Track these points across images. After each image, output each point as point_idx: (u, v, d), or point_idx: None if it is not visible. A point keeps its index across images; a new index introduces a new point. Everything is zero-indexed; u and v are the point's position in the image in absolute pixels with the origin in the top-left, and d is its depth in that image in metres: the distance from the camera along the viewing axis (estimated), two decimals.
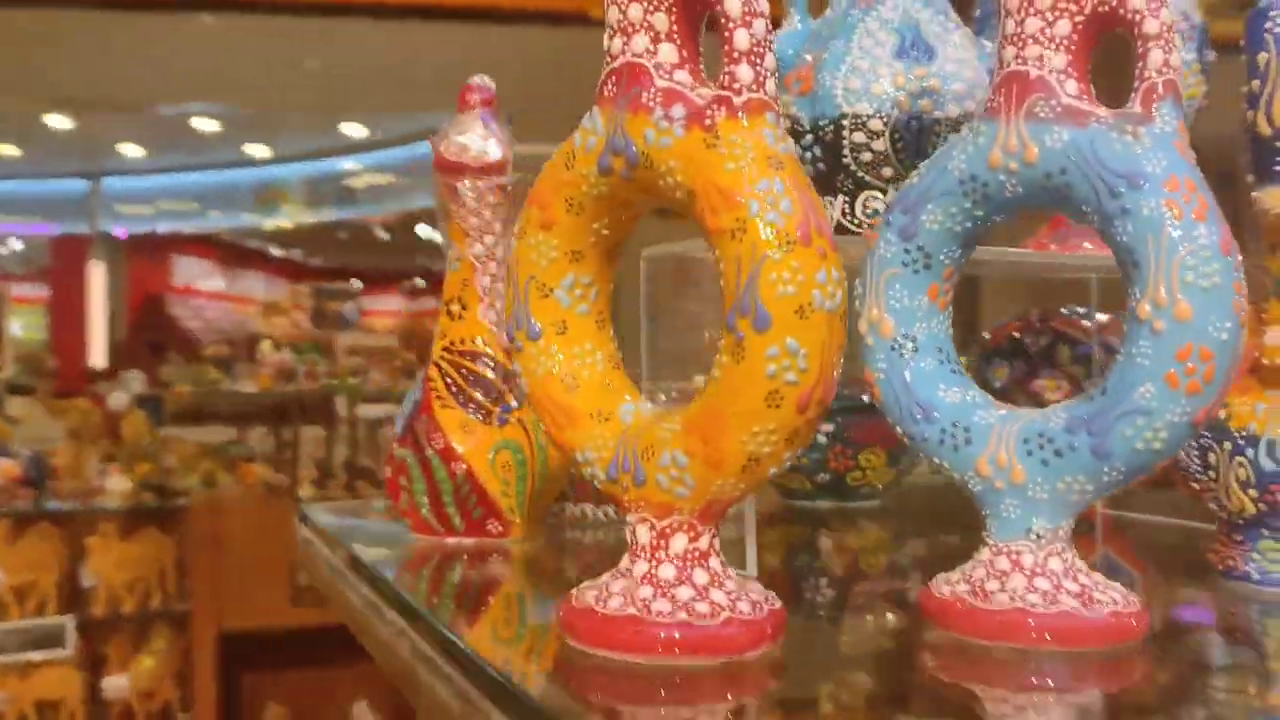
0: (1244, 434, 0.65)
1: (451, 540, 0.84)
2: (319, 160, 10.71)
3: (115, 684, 3.21)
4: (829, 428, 1.01)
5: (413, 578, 0.77)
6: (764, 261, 0.48)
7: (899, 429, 0.61)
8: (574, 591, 0.57)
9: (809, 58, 0.78)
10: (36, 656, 3.11)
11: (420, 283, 12.92)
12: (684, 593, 0.53)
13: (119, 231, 11.06)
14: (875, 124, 0.75)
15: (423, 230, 11.24)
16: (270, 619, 3.28)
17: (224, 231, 11.94)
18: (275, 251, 13.67)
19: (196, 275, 12.74)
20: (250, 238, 12.57)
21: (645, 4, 0.53)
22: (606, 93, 0.54)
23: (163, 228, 11.36)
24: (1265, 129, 0.61)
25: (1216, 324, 0.51)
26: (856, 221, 0.78)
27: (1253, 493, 0.65)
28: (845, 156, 0.76)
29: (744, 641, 0.52)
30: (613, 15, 0.54)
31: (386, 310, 12.38)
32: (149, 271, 12.19)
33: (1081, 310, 1.06)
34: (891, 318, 0.61)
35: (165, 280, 12.40)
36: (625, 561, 0.56)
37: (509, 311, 0.59)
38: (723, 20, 0.51)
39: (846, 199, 0.78)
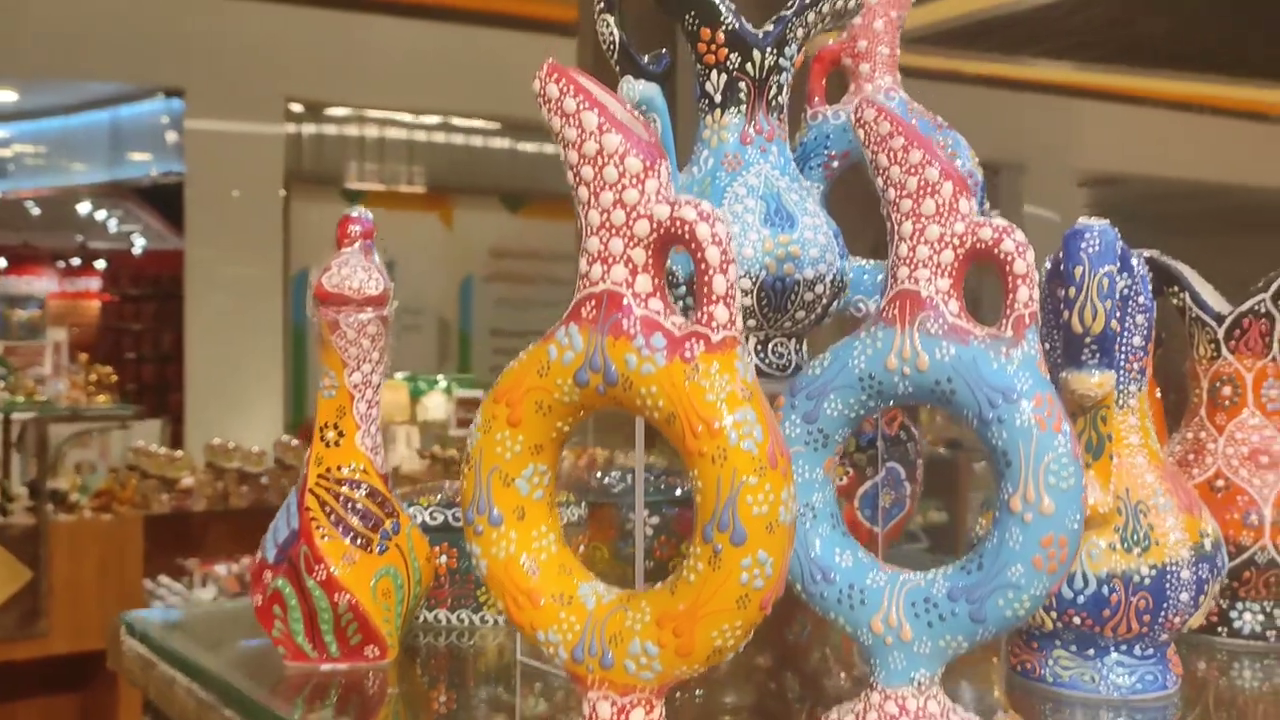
0: None
1: (326, 666, 0.85)
2: None
3: None
4: (655, 520, 1.09)
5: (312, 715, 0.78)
6: (742, 486, 0.56)
7: (799, 587, 0.70)
8: None
9: None
10: None
11: (76, 262, 11.83)
12: None
13: None
14: (744, 283, 0.83)
15: (83, 208, 10.31)
16: None
17: None
18: None
19: None
20: None
21: (626, 240, 0.59)
22: (585, 313, 0.59)
23: None
24: (1078, 328, 0.76)
25: (1071, 517, 0.63)
26: None
27: (1053, 614, 0.80)
28: None
29: None
30: (593, 246, 0.59)
31: (40, 292, 11.26)
32: None
33: None
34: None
35: None
36: None
37: (469, 498, 0.63)
38: (701, 265, 0.58)
39: None
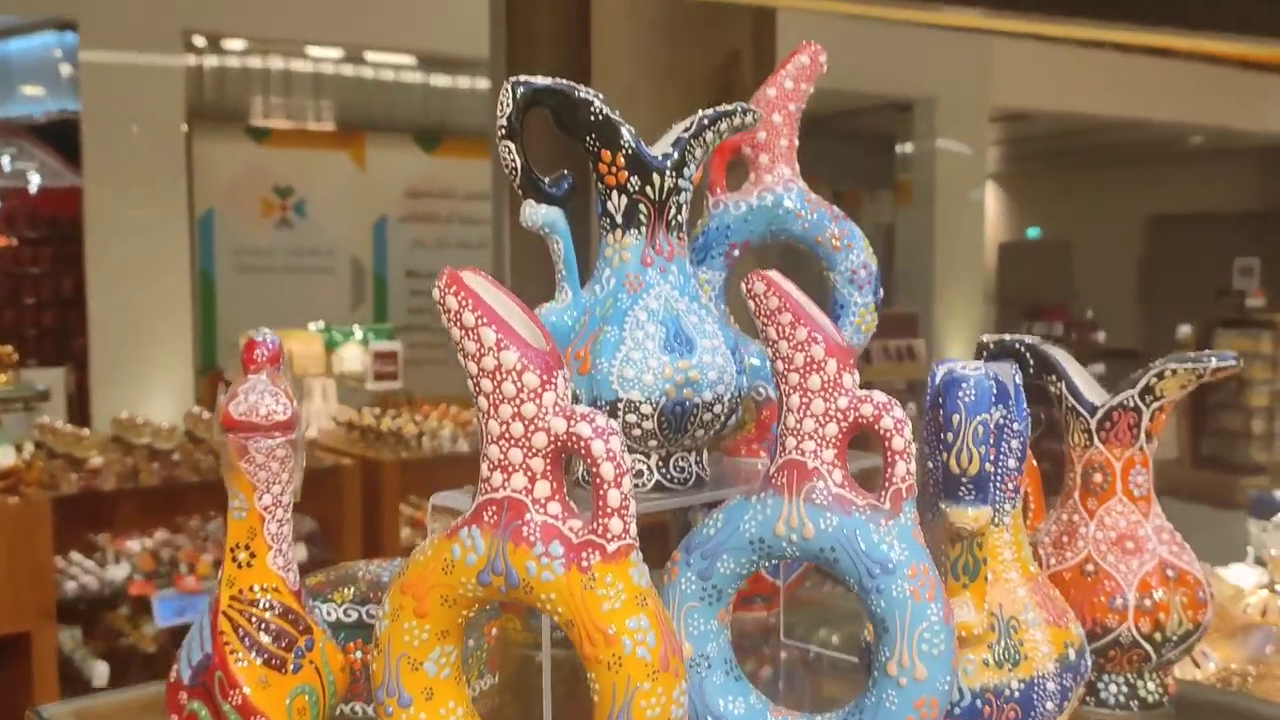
0: None
1: None
2: None
3: None
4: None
5: None
6: (636, 691, 0.60)
7: None
8: None
9: (586, 339, 0.88)
10: None
11: None
12: None
13: None
14: (646, 408, 0.87)
15: None
16: None
17: None
18: None
19: None
20: None
21: (525, 450, 0.61)
22: (487, 518, 0.62)
23: None
24: (955, 469, 0.81)
25: (942, 680, 0.69)
26: None
27: None
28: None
29: None
30: (494, 454, 0.62)
31: None
32: None
33: None
34: (690, 642, 0.74)
35: None
36: None
37: (378, 680, 0.66)
38: (595, 478, 0.61)
39: None
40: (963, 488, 0.82)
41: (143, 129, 6.06)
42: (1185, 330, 9.62)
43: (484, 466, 0.63)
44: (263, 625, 0.87)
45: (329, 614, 0.97)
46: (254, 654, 0.86)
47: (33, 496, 3.20)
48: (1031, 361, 1.07)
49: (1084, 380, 1.07)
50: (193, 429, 3.68)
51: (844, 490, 0.71)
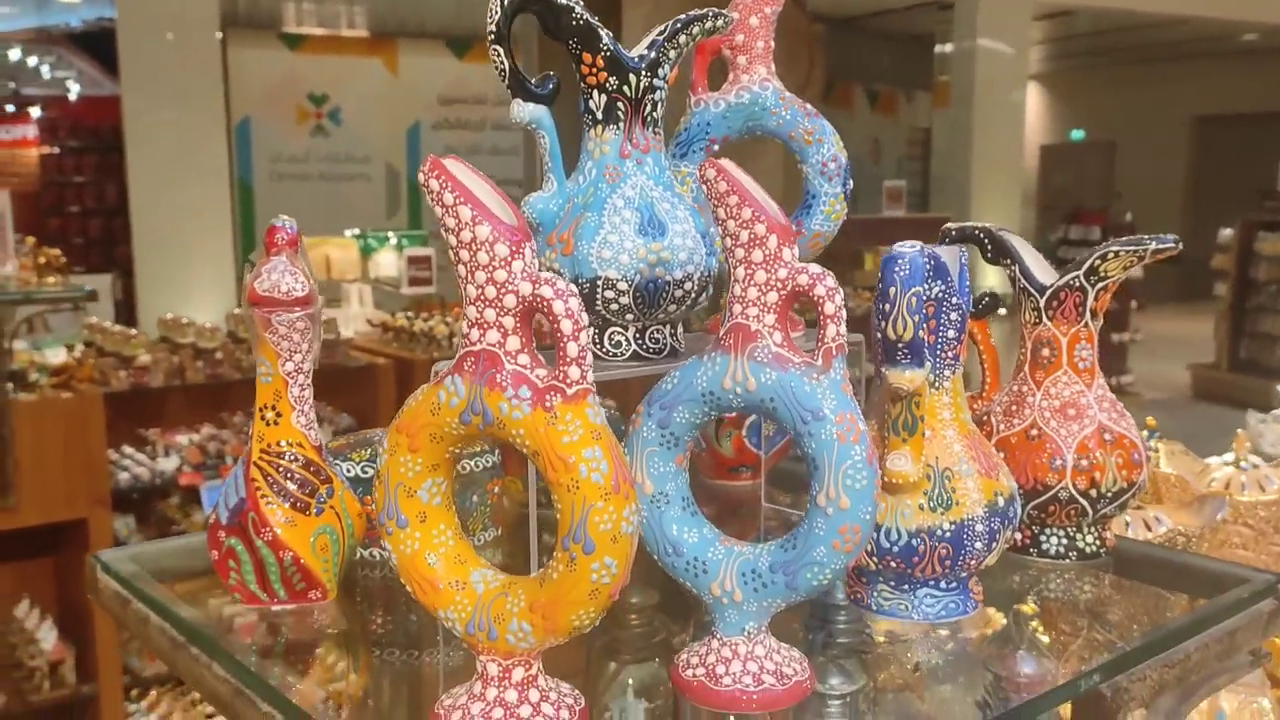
0: None
1: (277, 606, 1.02)
2: None
3: None
4: None
5: (267, 651, 0.95)
6: (591, 509, 0.71)
7: (656, 558, 0.87)
8: (441, 711, 0.79)
9: (569, 224, 0.98)
10: None
11: (10, 109, 11.49)
12: (525, 710, 0.77)
13: None
14: (622, 285, 0.97)
15: (13, 54, 9.97)
16: None
17: None
18: None
19: None
20: None
21: (498, 310, 0.72)
22: (467, 367, 0.73)
23: None
24: (891, 335, 0.91)
25: (864, 510, 0.80)
26: (604, 350, 1.01)
27: (875, 559, 0.98)
28: (598, 305, 0.98)
29: None
30: (472, 313, 0.73)
31: None
32: None
33: None
34: (651, 481, 0.86)
35: None
36: (478, 686, 0.78)
37: (380, 506, 0.78)
38: (557, 333, 0.71)
39: (596, 332, 1.01)
40: (899, 352, 0.92)
41: (178, 37, 6.10)
42: (1226, 233, 9.52)
43: (464, 324, 0.74)
44: (289, 474, 1.00)
45: (349, 471, 1.10)
46: (281, 498, 0.99)
47: (85, 392, 3.38)
48: (989, 246, 1.16)
49: (1037, 263, 1.16)
50: (234, 329, 3.83)
51: (782, 350, 0.81)
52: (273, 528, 0.99)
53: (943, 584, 1.00)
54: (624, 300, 0.98)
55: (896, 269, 0.90)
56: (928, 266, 0.91)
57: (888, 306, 0.90)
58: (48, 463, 3.28)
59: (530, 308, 0.73)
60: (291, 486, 1.00)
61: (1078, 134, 15.65)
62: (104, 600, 1.12)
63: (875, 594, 1.01)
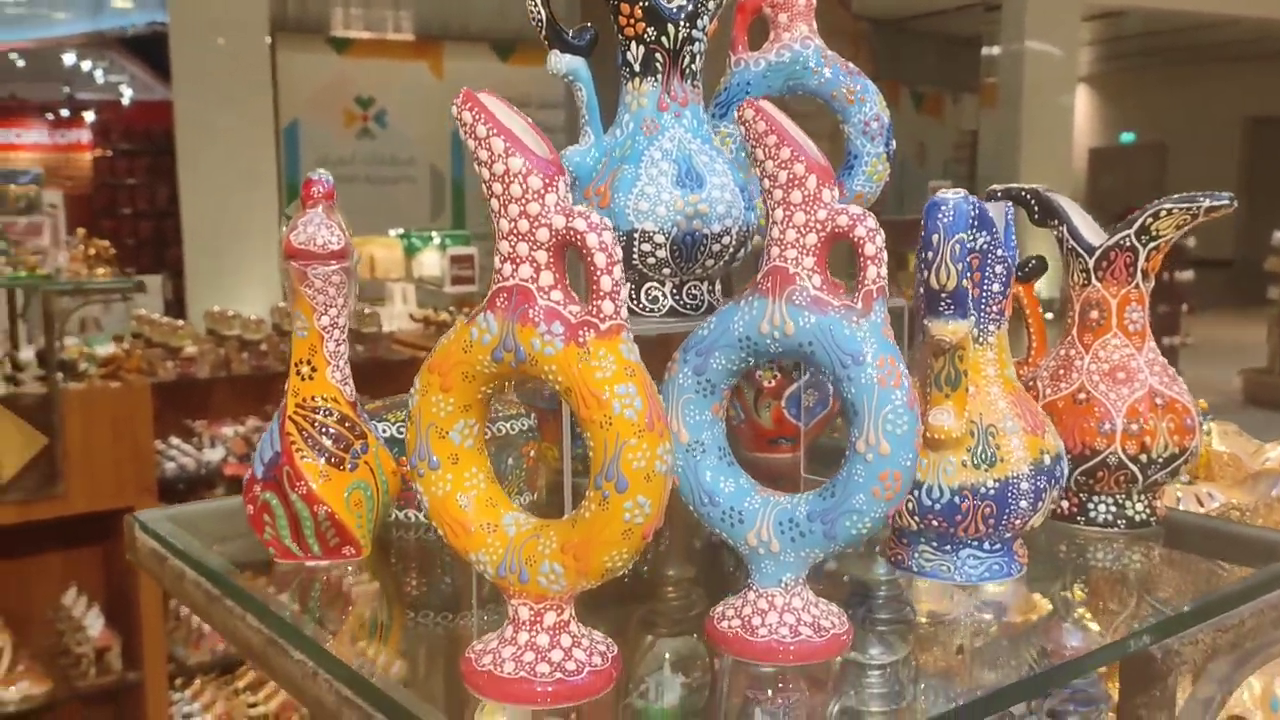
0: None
1: (311, 563, 1.01)
2: None
3: None
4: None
5: (301, 604, 0.94)
6: (624, 446, 0.70)
7: (691, 508, 0.85)
8: (471, 655, 0.78)
9: (606, 178, 0.97)
10: None
11: (65, 113, 11.73)
12: (556, 655, 0.76)
13: None
14: (659, 238, 0.96)
15: (68, 59, 10.17)
16: None
17: None
18: None
19: None
20: None
21: (530, 244, 0.71)
22: (499, 303, 0.72)
23: None
24: (935, 284, 0.89)
25: (904, 457, 0.78)
26: (641, 305, 1.00)
27: (916, 518, 0.96)
28: (634, 259, 0.97)
29: (598, 686, 0.76)
30: (504, 248, 0.72)
31: (30, 144, 11.23)
32: None
33: None
34: (687, 429, 0.84)
35: None
36: (509, 631, 0.77)
37: (412, 448, 0.78)
38: (590, 267, 0.70)
39: (632, 288, 1.00)
40: (942, 303, 0.90)
41: (228, 41, 6.19)
42: (1279, 236, 9.33)
43: (496, 260, 0.73)
44: (323, 429, 0.99)
45: (384, 431, 1.09)
46: (316, 453, 0.99)
47: (133, 382, 3.42)
48: (1036, 207, 1.14)
49: (1085, 223, 1.13)
50: (280, 322, 3.87)
51: (821, 293, 0.79)
52: (307, 481, 0.98)
53: (986, 545, 0.97)
54: (661, 254, 0.97)
55: (940, 215, 0.87)
56: (972, 215, 0.88)
57: (930, 255, 0.88)
58: (95, 452, 3.33)
59: (564, 241, 0.71)
60: (326, 441, 1.00)
61: (1128, 137, 15.42)
62: (141, 559, 1.12)
63: (916, 555, 0.99)
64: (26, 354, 3.49)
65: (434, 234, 6.10)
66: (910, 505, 0.96)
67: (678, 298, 1.01)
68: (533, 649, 0.76)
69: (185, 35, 6.01)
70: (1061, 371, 1.12)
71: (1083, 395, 1.09)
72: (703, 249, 0.97)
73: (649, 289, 1.00)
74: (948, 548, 0.98)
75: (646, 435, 0.70)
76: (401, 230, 6.13)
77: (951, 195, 0.88)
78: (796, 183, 0.79)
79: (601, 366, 0.70)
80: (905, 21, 10.21)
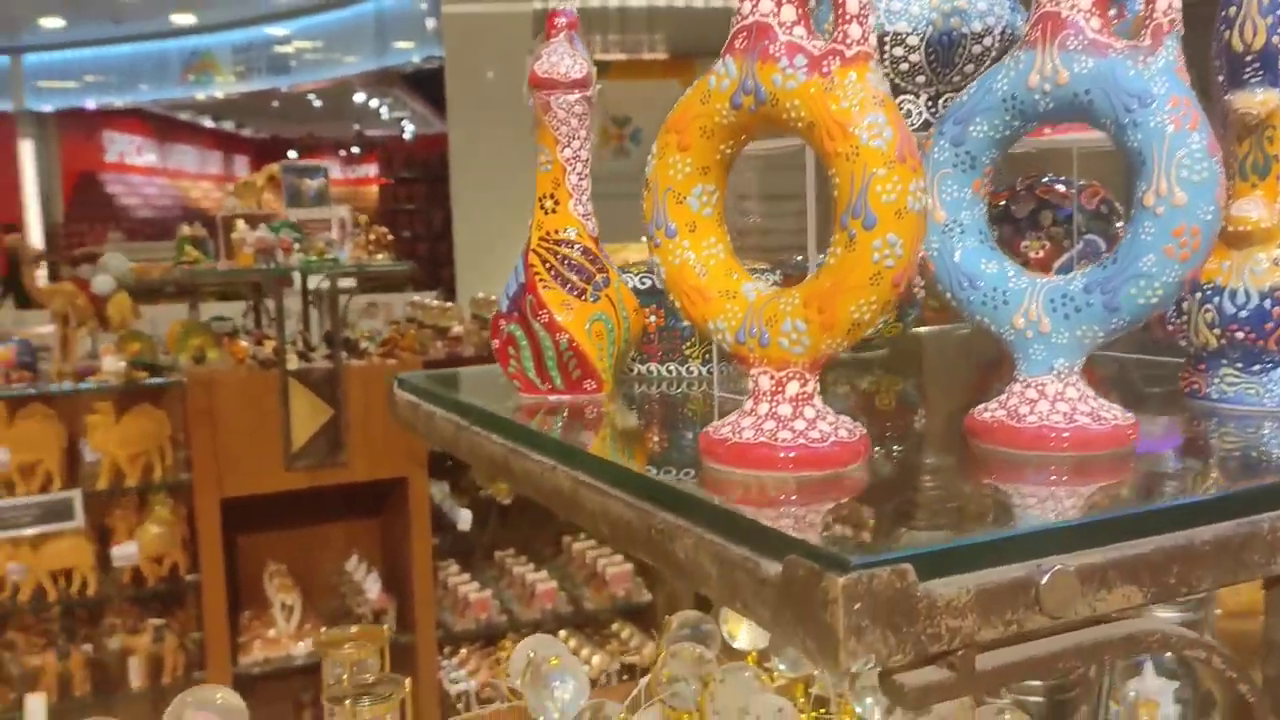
0: (1211, 286, 0.83)
1: (554, 396, 1.01)
2: (248, 28, 10.43)
3: (124, 551, 3.38)
4: None
5: (544, 426, 0.94)
6: (872, 178, 0.64)
7: (948, 295, 0.78)
8: (709, 429, 0.74)
9: None
10: (48, 529, 3.26)
11: (356, 150, 12.75)
12: (799, 424, 0.71)
13: (46, 108, 10.70)
14: (913, 40, 0.89)
15: (357, 97, 11.05)
16: (265, 484, 3.46)
17: (154, 104, 11.60)
18: (207, 123, 13.33)
19: (129, 150, 12.40)
20: (181, 110, 12.24)
21: None
22: (738, 44, 0.69)
23: (91, 103, 11.01)
24: (1238, 45, 0.78)
25: (1203, 209, 0.68)
26: None
27: (1216, 331, 0.84)
28: (885, 66, 0.91)
29: (847, 457, 0.70)
30: None
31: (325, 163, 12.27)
32: (80, 149, 11.87)
33: (1062, 179, 1.23)
34: (944, 208, 0.77)
35: (98, 157, 12.09)
36: (749, 404, 0.73)
37: (649, 215, 0.75)
38: None
39: None
40: (1247, 68, 0.78)
41: (497, 74, 6.52)
42: None
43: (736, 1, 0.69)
44: (565, 261, 0.99)
45: (627, 282, 1.08)
46: (558, 283, 0.98)
47: (407, 360, 3.63)
48: None
49: None
50: None
51: (1099, 35, 0.70)
52: (550, 310, 0.98)
53: None
54: (915, 58, 0.90)
55: None
56: None
57: (1233, 10, 0.77)
58: (373, 424, 3.54)
59: None
60: (569, 272, 0.99)
61: None
62: (399, 413, 1.16)
63: (1217, 380, 0.87)
64: (316, 336, 3.78)
65: None
66: (1210, 316, 0.84)
67: (933, 110, 0.94)
68: (774, 418, 0.71)
69: (459, 69, 6.39)
70: None
71: None
72: (961, 51, 0.90)
73: (901, 102, 0.93)
74: (1255, 367, 0.85)
75: (898, 167, 0.64)
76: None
77: None
78: None
79: (847, 95, 0.65)
80: None
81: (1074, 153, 1.17)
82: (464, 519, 3.74)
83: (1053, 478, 0.71)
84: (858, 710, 1.08)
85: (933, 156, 0.77)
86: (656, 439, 0.91)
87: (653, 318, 1.10)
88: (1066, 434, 0.72)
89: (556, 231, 1.00)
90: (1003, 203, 1.27)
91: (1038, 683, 1.07)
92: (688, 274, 0.74)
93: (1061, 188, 1.25)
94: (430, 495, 3.76)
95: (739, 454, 0.70)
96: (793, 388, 0.71)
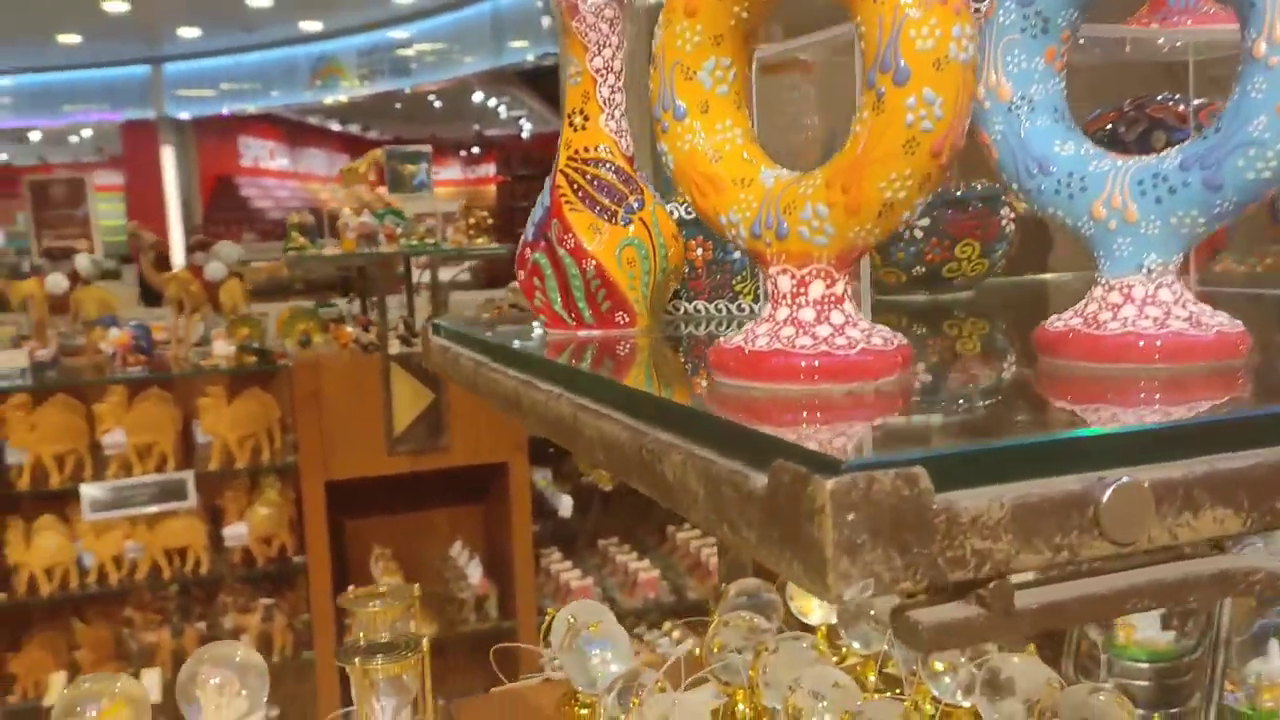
0: None
1: (583, 332, 0.91)
2: (371, 32, 10.67)
3: (235, 532, 3.43)
4: (925, 221, 1.05)
5: (557, 355, 0.84)
6: (904, 20, 0.53)
7: (1014, 186, 0.65)
8: (720, 339, 0.63)
9: None
10: (163, 508, 3.33)
11: (476, 150, 12.92)
12: (823, 330, 0.59)
13: (184, 115, 11.18)
14: None
15: (476, 96, 11.19)
16: (368, 468, 3.47)
17: (284, 109, 12.00)
18: (334, 127, 13.72)
19: (262, 155, 12.87)
20: (310, 114, 12.63)
21: None
22: None
23: (226, 109, 11.44)
24: None
25: None
26: None
27: None
28: None
29: (879, 368, 0.59)
30: None
31: (446, 180, 12.49)
32: (217, 154, 12.37)
33: (1177, 97, 1.08)
34: (1009, 81, 0.65)
35: (234, 161, 12.58)
36: (767, 309, 0.62)
37: (655, 96, 0.65)
38: None
39: None
40: None
41: None
42: None
43: None
44: (595, 181, 0.89)
45: (671, 213, 0.98)
46: (587, 205, 0.89)
47: None
48: None
49: None
50: None
51: None
52: (576, 234, 0.88)
53: None
54: None
55: None
56: None
57: None
58: (474, 409, 3.52)
59: None
60: (598, 194, 0.89)
61: None
62: (433, 359, 1.09)
63: None
64: (420, 321, 3.78)
65: None
66: None
67: None
68: (794, 323, 0.60)
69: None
70: None
71: None
72: None
73: None
74: None
75: (936, 9, 0.53)
76: None
77: None
78: None
79: None
80: None
81: (1190, 64, 1.02)
82: (565, 505, 3.69)
83: (1141, 395, 0.58)
84: (934, 692, 0.96)
85: (997, 20, 0.65)
86: (672, 367, 0.81)
87: (700, 250, 0.99)
88: (1159, 342, 0.59)
89: (586, 149, 0.91)
90: (1109, 125, 1.13)
91: (1143, 664, 0.93)
92: (698, 160, 0.64)
93: (1179, 106, 1.10)
94: (532, 481, 3.72)
95: (752, 364, 0.60)
96: (817, 288, 0.60)
